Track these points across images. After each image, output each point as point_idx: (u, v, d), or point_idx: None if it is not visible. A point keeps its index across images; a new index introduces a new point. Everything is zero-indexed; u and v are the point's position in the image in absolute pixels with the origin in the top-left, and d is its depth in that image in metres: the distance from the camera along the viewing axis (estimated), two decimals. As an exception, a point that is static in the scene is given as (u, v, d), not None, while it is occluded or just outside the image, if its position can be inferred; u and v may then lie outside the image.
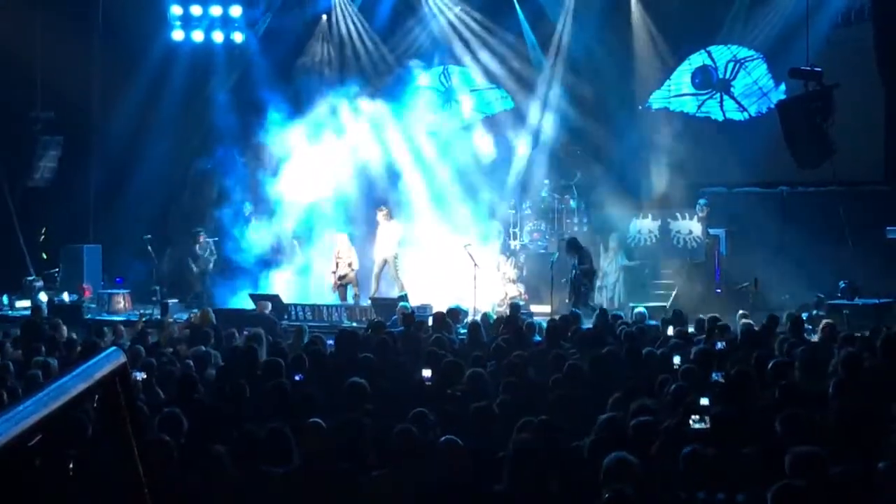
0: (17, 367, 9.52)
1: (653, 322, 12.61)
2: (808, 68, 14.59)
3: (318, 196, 18.89)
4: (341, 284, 17.44)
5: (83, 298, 18.13)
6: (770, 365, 8.29)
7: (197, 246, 18.85)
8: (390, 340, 10.41)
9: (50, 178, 20.10)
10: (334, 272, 17.54)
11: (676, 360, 9.19)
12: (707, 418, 6.51)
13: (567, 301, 16.03)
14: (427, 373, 8.67)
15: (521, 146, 19.49)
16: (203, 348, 10.35)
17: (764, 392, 7.73)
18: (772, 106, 17.34)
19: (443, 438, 6.03)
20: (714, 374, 8.26)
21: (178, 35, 20.48)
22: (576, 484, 5.71)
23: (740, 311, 13.04)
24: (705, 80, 19.07)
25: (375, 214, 17.79)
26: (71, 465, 5.89)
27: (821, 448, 5.51)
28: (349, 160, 19.09)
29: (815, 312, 14.41)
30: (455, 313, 13.37)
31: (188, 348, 11.00)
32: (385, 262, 17.37)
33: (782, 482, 4.93)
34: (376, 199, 18.84)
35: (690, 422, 6.52)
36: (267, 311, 14.79)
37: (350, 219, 18.79)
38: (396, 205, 18.64)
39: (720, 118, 18.96)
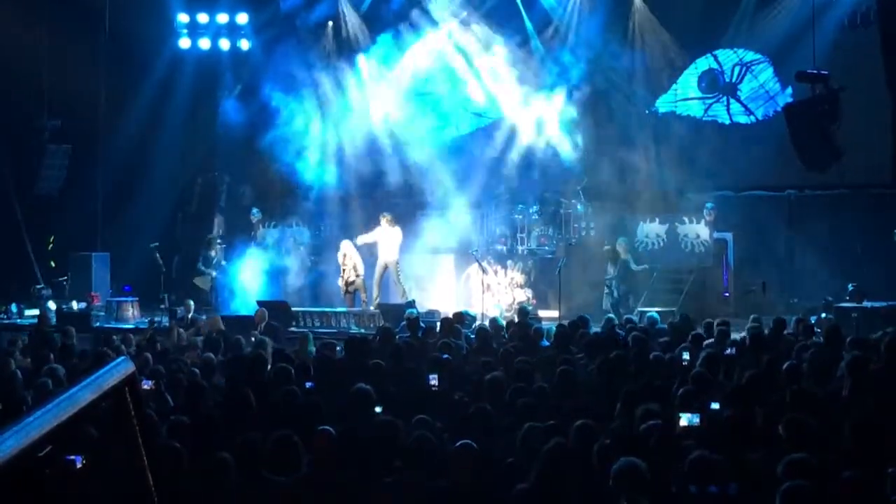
0: (26, 374, 9.53)
1: (661, 326, 12.57)
2: (815, 71, 14.57)
3: (326, 200, 18.90)
4: (348, 291, 17.34)
5: (92, 306, 18.14)
6: (783, 368, 8.28)
7: (212, 252, 18.83)
8: (398, 348, 10.38)
9: (57, 186, 20.18)
10: (343, 278, 17.44)
11: (685, 363, 9.20)
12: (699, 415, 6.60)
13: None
14: (434, 378, 8.66)
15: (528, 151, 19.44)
16: (213, 356, 10.35)
17: (773, 396, 7.71)
18: (778, 109, 17.30)
19: (457, 444, 6.00)
20: (721, 378, 8.26)
21: (184, 43, 20.54)
22: (586, 490, 5.68)
23: (752, 316, 13.00)
24: (711, 83, 19.04)
25: (378, 218, 17.66)
26: (79, 473, 5.88)
27: (824, 454, 5.49)
28: (355, 165, 19.16)
29: (823, 316, 14.36)
30: (463, 318, 13.35)
31: (197, 355, 11.01)
32: (386, 267, 17.25)
33: (791, 483, 4.90)
34: (382, 203, 18.82)
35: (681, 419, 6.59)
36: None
37: (355, 222, 18.75)
38: (403, 209, 18.63)
39: (727, 122, 18.93)
